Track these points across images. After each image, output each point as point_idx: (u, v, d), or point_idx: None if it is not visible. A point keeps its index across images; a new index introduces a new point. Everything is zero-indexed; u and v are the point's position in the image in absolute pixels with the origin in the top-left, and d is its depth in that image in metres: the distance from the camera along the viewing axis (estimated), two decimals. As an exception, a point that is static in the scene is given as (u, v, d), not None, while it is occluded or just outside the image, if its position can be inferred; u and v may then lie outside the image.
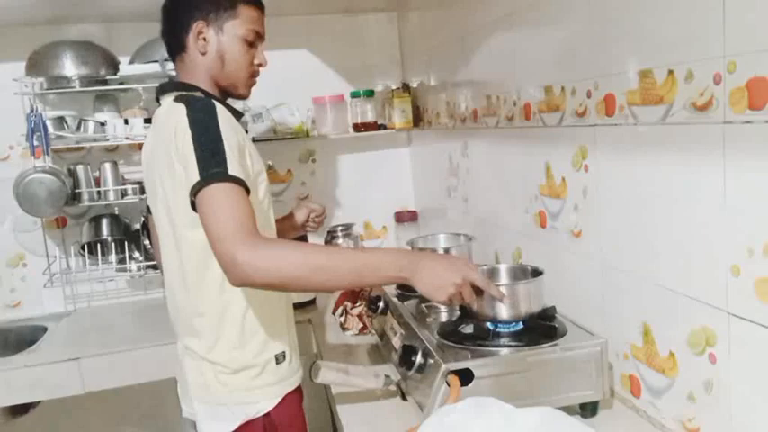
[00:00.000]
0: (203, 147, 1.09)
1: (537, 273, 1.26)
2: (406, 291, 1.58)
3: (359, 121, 2.40)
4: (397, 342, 1.36)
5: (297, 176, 2.51)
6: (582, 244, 1.31)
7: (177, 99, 1.18)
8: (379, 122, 2.43)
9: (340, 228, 2.38)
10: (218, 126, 1.12)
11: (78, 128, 2.15)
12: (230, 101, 1.34)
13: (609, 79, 1.15)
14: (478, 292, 1.15)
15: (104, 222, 2.24)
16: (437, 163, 2.22)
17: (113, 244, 2.21)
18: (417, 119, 2.40)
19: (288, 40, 2.40)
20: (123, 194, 2.16)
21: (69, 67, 2.06)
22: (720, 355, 0.96)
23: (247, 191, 1.09)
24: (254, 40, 1.30)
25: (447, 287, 1.09)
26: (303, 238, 1.76)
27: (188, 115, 1.12)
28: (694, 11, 0.92)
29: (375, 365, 1.37)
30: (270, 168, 2.47)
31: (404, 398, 1.25)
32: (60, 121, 2.16)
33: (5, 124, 2.16)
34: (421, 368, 1.17)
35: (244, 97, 1.35)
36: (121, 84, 2.15)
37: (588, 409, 1.17)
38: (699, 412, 1.02)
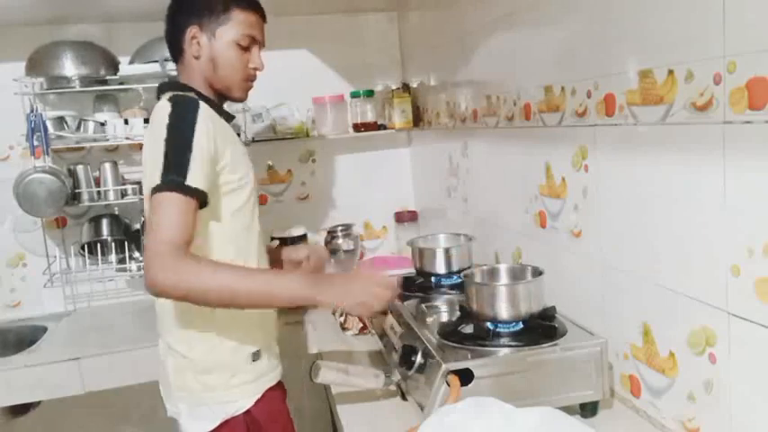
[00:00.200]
0: (172, 151, 1.13)
1: (537, 273, 1.26)
2: (406, 291, 1.58)
3: (359, 121, 2.40)
4: (397, 342, 1.36)
5: (297, 176, 2.51)
6: (582, 244, 1.31)
7: (169, 98, 1.21)
8: (379, 122, 2.43)
9: (340, 228, 2.38)
10: (192, 133, 1.14)
11: (78, 128, 2.15)
12: (228, 103, 1.35)
13: (609, 79, 1.15)
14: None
15: (104, 222, 2.24)
16: (437, 163, 2.22)
17: (113, 244, 2.21)
18: (417, 119, 2.40)
19: (288, 40, 2.40)
20: (123, 194, 2.16)
21: (69, 67, 2.06)
22: (720, 355, 0.96)
23: (203, 203, 1.13)
24: (249, 45, 1.31)
25: (352, 297, 1.15)
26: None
27: (169, 115, 1.16)
28: (694, 11, 0.92)
29: (375, 365, 1.37)
30: (270, 168, 2.47)
31: (404, 398, 1.25)
32: (60, 121, 2.16)
33: (5, 124, 2.16)
34: (421, 368, 1.17)
35: (240, 100, 1.37)
36: (121, 84, 2.15)
37: (588, 409, 1.17)
38: (699, 412, 1.02)
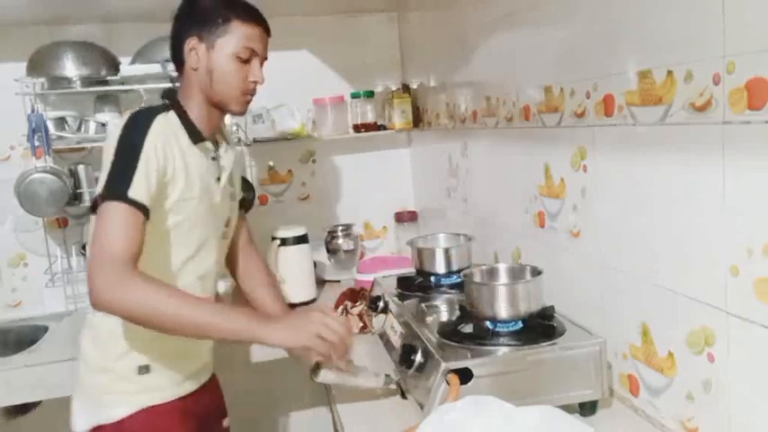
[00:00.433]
0: (119, 161, 1.13)
1: (536, 272, 1.26)
2: (406, 291, 1.58)
3: (359, 122, 2.41)
4: (397, 342, 1.36)
5: (297, 177, 2.51)
6: (581, 244, 1.32)
7: (132, 112, 1.22)
8: (379, 123, 2.43)
9: (340, 228, 2.38)
10: (142, 144, 1.14)
11: (79, 128, 2.16)
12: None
13: (608, 80, 1.15)
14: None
15: (105, 222, 2.24)
16: (437, 163, 2.22)
17: (114, 244, 2.21)
18: (417, 119, 2.41)
19: (288, 41, 2.40)
20: (124, 194, 2.16)
21: (70, 67, 2.07)
22: (719, 355, 0.96)
23: (147, 215, 1.13)
24: (249, 57, 1.30)
25: (304, 332, 1.12)
26: None
27: (124, 126, 1.17)
28: (694, 11, 0.93)
29: (375, 365, 1.38)
30: (270, 169, 2.48)
31: (404, 397, 1.25)
32: (61, 121, 2.16)
33: (6, 124, 2.16)
34: (421, 367, 1.18)
35: (238, 114, 1.35)
36: (122, 84, 2.15)
37: (587, 408, 1.17)
38: (697, 412, 1.02)
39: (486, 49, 1.70)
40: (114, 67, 2.12)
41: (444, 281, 1.57)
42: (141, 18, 2.18)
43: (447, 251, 1.59)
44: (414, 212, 2.54)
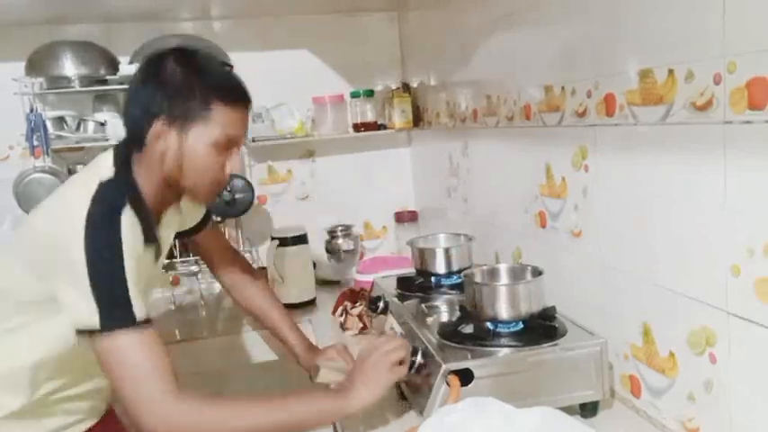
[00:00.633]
0: (103, 278, 0.97)
1: (537, 273, 1.26)
2: (406, 291, 1.58)
3: (359, 121, 2.40)
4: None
5: (297, 176, 2.50)
6: (582, 244, 1.31)
7: (99, 187, 1.02)
8: (379, 122, 2.42)
9: (340, 228, 2.38)
10: (120, 248, 0.99)
11: (78, 128, 2.15)
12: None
13: (609, 79, 1.15)
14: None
15: (104, 222, 2.24)
16: (437, 163, 2.22)
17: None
18: (417, 119, 2.40)
19: (288, 40, 2.40)
20: (123, 194, 2.15)
21: (69, 66, 2.06)
22: (720, 355, 0.95)
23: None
24: (229, 146, 1.12)
25: (382, 379, 1.09)
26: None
27: (86, 225, 0.98)
28: (694, 11, 0.92)
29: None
30: (270, 168, 2.47)
31: (403, 398, 1.25)
32: (60, 120, 2.16)
33: (5, 124, 2.16)
34: (421, 368, 1.17)
35: (203, 204, 1.22)
36: (121, 84, 2.14)
37: (588, 410, 1.17)
38: (699, 412, 1.02)
39: (486, 47, 1.69)
40: (113, 66, 2.12)
41: (445, 281, 1.56)
42: (140, 18, 2.18)
43: (447, 251, 1.59)
44: (414, 212, 2.53)
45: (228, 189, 2.07)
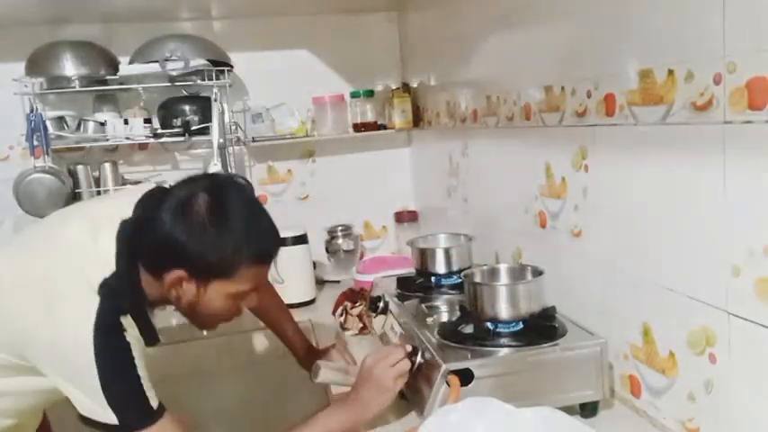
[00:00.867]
0: (115, 388, 0.96)
1: (537, 273, 1.26)
2: (406, 291, 1.58)
3: (359, 121, 2.40)
4: (396, 342, 1.36)
5: (297, 176, 2.50)
6: (582, 244, 1.31)
7: (102, 290, 0.97)
8: (379, 122, 2.42)
9: (340, 228, 2.38)
10: (129, 352, 0.97)
11: (78, 128, 2.15)
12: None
13: (609, 79, 1.15)
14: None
15: (104, 222, 2.24)
16: (437, 163, 2.22)
17: (113, 244, 2.21)
18: (417, 119, 2.40)
19: (288, 40, 2.40)
20: (123, 194, 2.16)
21: (69, 67, 2.06)
22: (720, 355, 0.95)
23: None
24: (251, 293, 1.09)
25: (391, 385, 1.12)
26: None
27: (96, 341, 0.94)
28: (694, 11, 0.92)
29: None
30: (270, 168, 2.47)
31: (404, 398, 1.25)
32: (60, 121, 2.15)
33: (5, 124, 2.16)
34: (421, 368, 1.17)
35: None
36: (121, 84, 2.15)
37: (588, 410, 1.17)
38: (699, 412, 1.02)
39: (486, 47, 1.69)
40: (113, 66, 2.12)
41: (445, 281, 1.56)
42: (140, 18, 2.18)
43: (447, 251, 1.59)
44: (414, 212, 2.53)
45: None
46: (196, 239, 0.99)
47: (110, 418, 0.96)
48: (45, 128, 2.02)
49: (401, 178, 2.58)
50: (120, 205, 1.09)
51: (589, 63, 1.21)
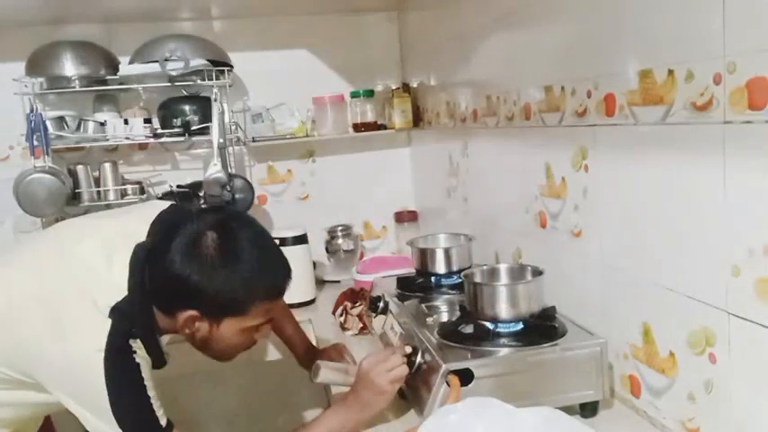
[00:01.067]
0: (126, 412, 0.96)
1: (537, 273, 1.26)
2: (406, 291, 1.58)
3: (359, 121, 2.40)
4: (397, 342, 1.36)
5: (297, 176, 2.50)
6: (582, 244, 1.31)
7: (114, 315, 0.97)
8: (379, 122, 2.42)
9: (340, 228, 2.38)
10: (140, 375, 0.98)
11: (78, 128, 2.15)
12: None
13: (609, 79, 1.15)
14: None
15: (104, 222, 2.24)
16: (437, 163, 2.22)
17: (113, 244, 2.21)
18: (417, 119, 2.40)
19: (288, 40, 2.40)
20: (123, 194, 2.15)
21: (69, 67, 2.06)
22: (720, 355, 0.95)
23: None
24: (264, 324, 1.10)
25: (388, 388, 1.13)
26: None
27: (106, 366, 0.94)
28: (694, 11, 0.92)
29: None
30: (270, 168, 2.47)
31: (404, 398, 1.25)
32: (60, 120, 2.15)
33: (5, 124, 2.16)
34: (421, 368, 1.17)
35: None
36: (121, 84, 2.15)
37: (588, 410, 1.17)
38: (699, 412, 1.02)
39: (486, 47, 1.69)
40: (113, 66, 2.12)
41: (445, 281, 1.56)
42: (140, 18, 2.18)
43: (447, 251, 1.59)
44: (414, 212, 2.53)
45: (228, 189, 2.08)
46: (207, 281, 1.00)
47: None
48: (45, 128, 2.02)
49: (401, 178, 2.58)
50: (134, 224, 1.10)
51: (589, 63, 1.21)
